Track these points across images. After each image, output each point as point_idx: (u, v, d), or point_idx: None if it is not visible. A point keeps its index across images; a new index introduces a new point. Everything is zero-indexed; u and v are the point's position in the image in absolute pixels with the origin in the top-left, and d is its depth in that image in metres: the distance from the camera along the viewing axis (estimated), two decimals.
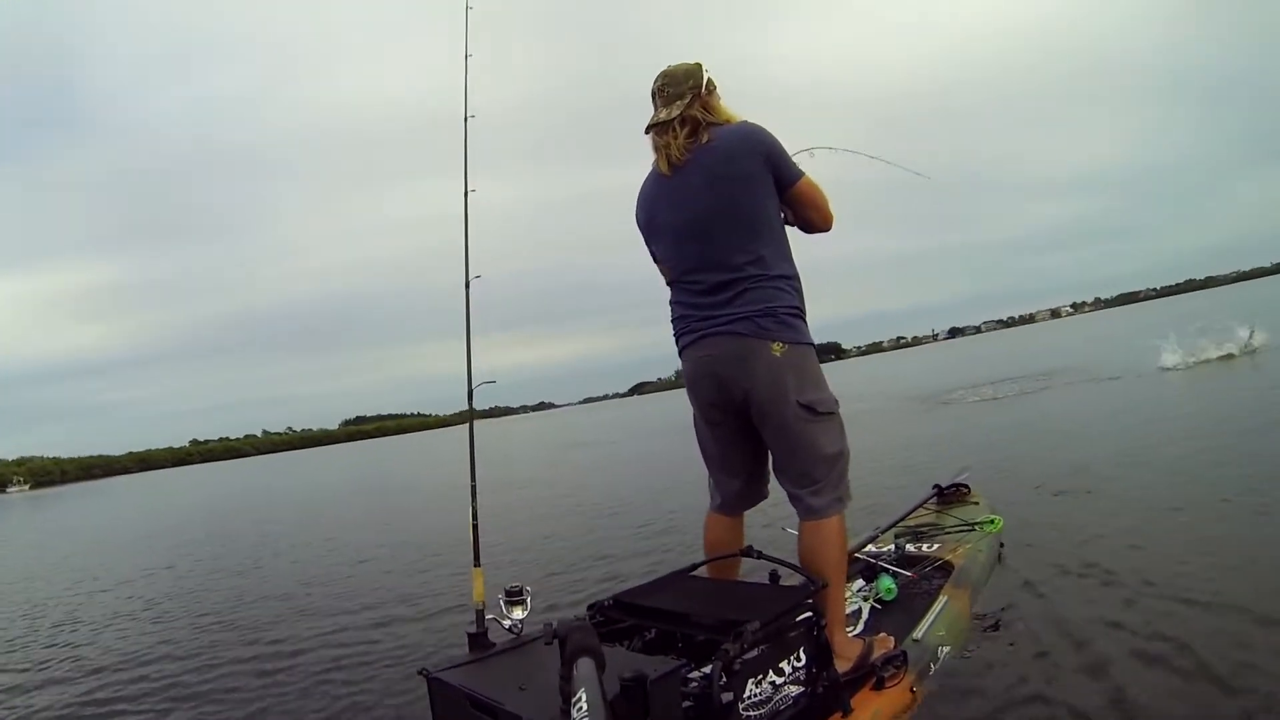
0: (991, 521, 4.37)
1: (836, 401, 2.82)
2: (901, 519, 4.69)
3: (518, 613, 2.42)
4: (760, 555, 2.78)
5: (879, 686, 2.64)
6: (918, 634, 3.03)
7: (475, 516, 2.88)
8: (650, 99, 2.83)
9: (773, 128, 2.71)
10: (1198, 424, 8.14)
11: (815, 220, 2.86)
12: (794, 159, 2.79)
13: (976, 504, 4.94)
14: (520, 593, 2.44)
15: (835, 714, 2.43)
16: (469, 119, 3.20)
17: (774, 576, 2.75)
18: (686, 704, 1.97)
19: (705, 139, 2.70)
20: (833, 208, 2.87)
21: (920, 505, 4.99)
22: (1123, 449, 7.37)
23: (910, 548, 4.12)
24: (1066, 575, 3.93)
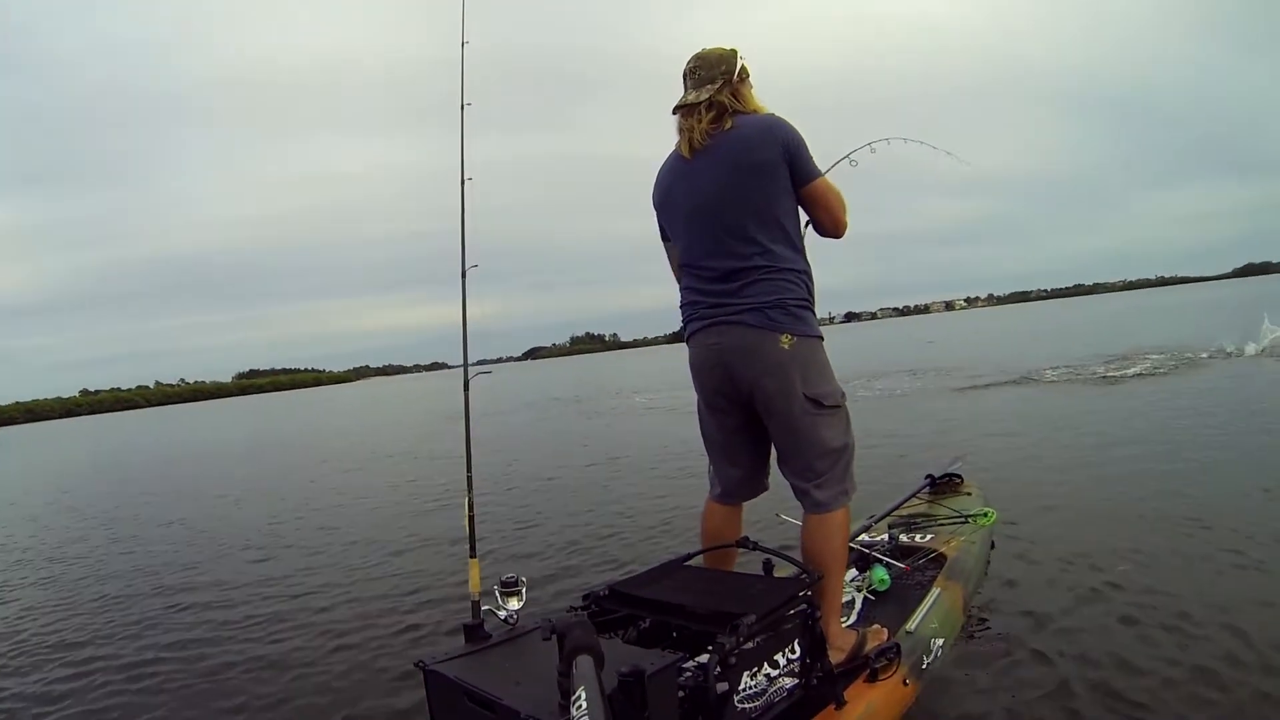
0: (985, 514, 4.35)
1: (843, 394, 2.77)
2: (895, 509, 4.66)
3: (513, 604, 2.39)
4: (756, 547, 2.72)
5: (872, 678, 2.59)
6: (911, 626, 2.99)
7: (471, 508, 2.83)
8: (681, 79, 2.78)
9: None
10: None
11: (825, 222, 2.79)
12: (854, 154, 2.79)
13: (969, 495, 4.90)
14: (515, 583, 2.40)
15: (829, 706, 2.38)
16: (465, 106, 3.16)
17: (767, 566, 2.73)
18: (681, 694, 1.93)
19: (728, 125, 2.65)
20: (848, 216, 2.82)
21: (913, 495, 4.96)
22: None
23: (904, 538, 4.07)
24: (1058, 568, 3.95)
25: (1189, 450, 6.71)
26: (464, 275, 3.00)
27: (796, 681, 2.32)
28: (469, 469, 2.93)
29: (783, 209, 2.67)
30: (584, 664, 1.50)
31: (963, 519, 4.31)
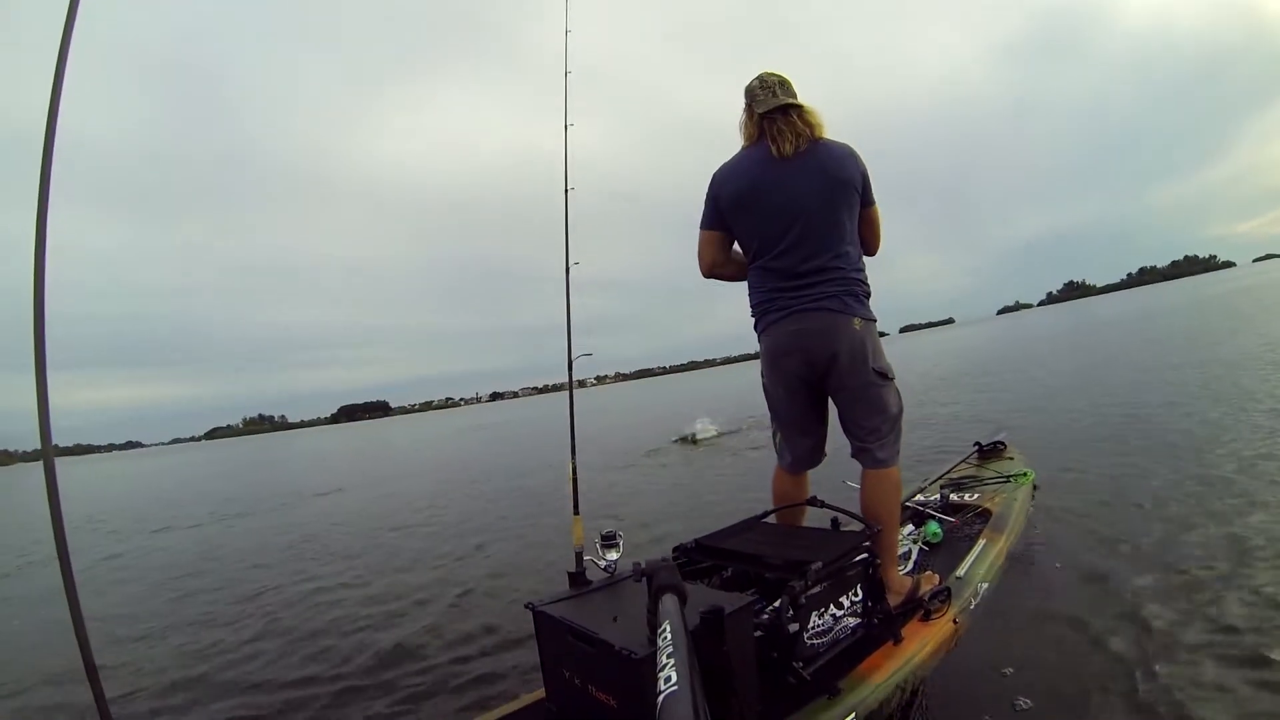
0: (1025, 474, 4.29)
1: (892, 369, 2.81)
2: (946, 472, 4.64)
3: (612, 554, 2.43)
4: (824, 504, 2.76)
5: (926, 618, 2.61)
6: (960, 572, 2.99)
7: (574, 471, 2.90)
8: (748, 94, 2.76)
9: None
10: None
11: (871, 242, 2.88)
12: None
13: (1012, 459, 4.86)
14: (614, 537, 2.46)
15: (887, 642, 2.41)
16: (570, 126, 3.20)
17: (835, 523, 2.72)
18: (758, 634, 1.97)
19: (818, 137, 2.68)
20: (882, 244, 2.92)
21: (963, 461, 4.93)
22: None
23: (953, 497, 4.07)
24: (1088, 521, 3.85)
25: None
26: (568, 272, 3.04)
27: (859, 621, 2.37)
28: (572, 436, 2.96)
29: (855, 220, 2.75)
30: (669, 601, 1.50)
31: (1005, 479, 4.23)
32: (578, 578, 2.44)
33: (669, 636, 1.29)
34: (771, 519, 2.93)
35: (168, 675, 3.81)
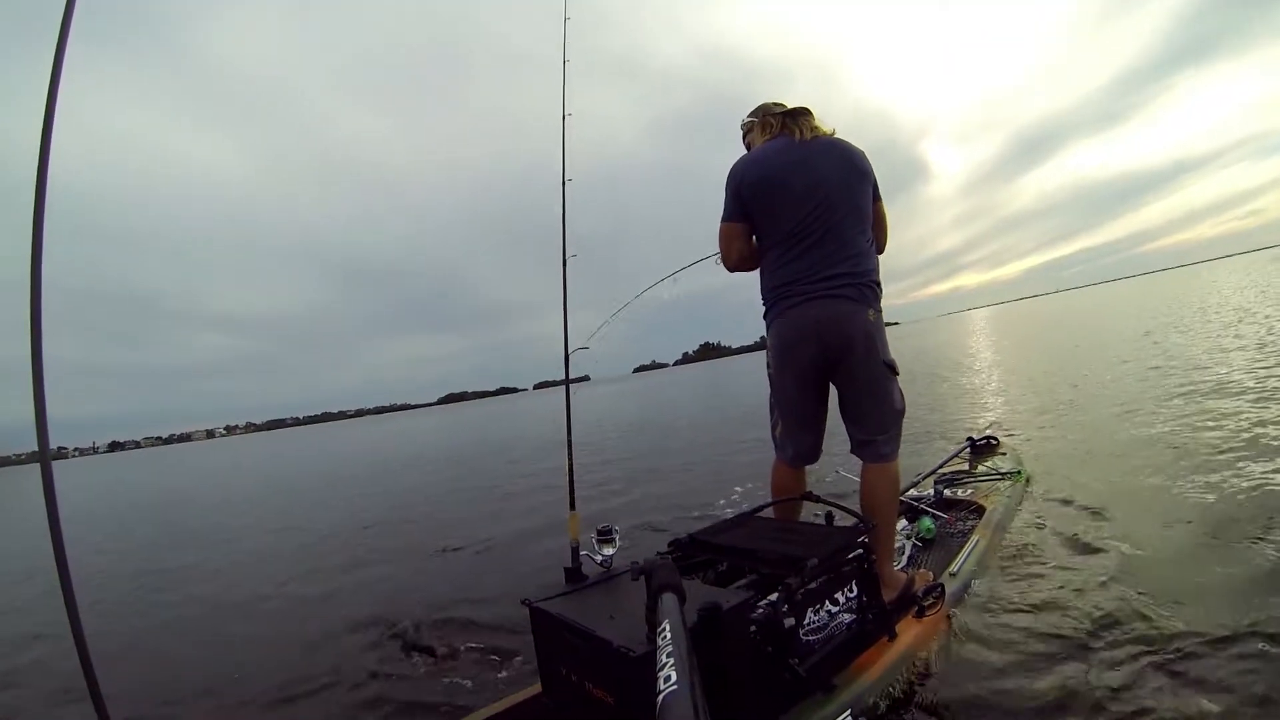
0: (1018, 472, 4.29)
1: None
2: (939, 468, 4.63)
3: (608, 550, 2.42)
4: (819, 499, 2.75)
5: (920, 615, 2.62)
6: (954, 569, 3.00)
7: (571, 467, 2.89)
8: (760, 110, 2.94)
9: None
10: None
11: (881, 238, 2.92)
12: None
13: (1004, 455, 4.86)
14: (610, 532, 2.45)
15: (882, 638, 2.42)
16: (567, 116, 3.18)
17: (829, 518, 2.71)
18: (753, 629, 1.95)
19: (828, 131, 2.80)
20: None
21: (955, 456, 4.92)
22: None
23: (947, 493, 4.07)
24: (1080, 519, 3.84)
25: None
26: (564, 264, 3.03)
27: (854, 617, 2.36)
28: (569, 432, 2.95)
29: (870, 212, 2.79)
30: (669, 600, 1.49)
31: (999, 476, 4.24)
32: (574, 573, 2.42)
33: (668, 635, 1.28)
34: (767, 513, 2.92)
35: None
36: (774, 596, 2.07)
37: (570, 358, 3.08)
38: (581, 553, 2.51)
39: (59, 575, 1.80)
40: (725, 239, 2.86)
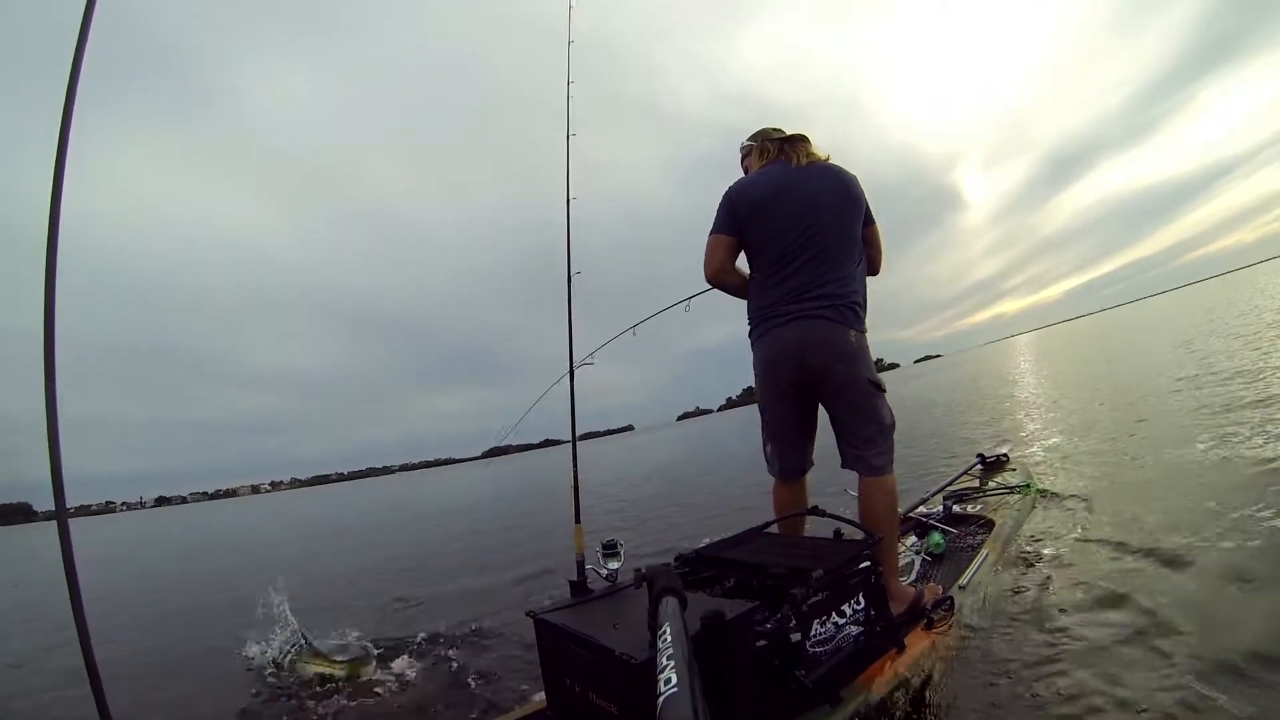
0: (1027, 486, 4.27)
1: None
2: (948, 484, 4.61)
3: (613, 563, 2.42)
4: (825, 514, 2.75)
5: (929, 627, 2.60)
6: (963, 581, 2.98)
7: (576, 480, 2.89)
8: (759, 135, 2.97)
9: None
10: None
11: (876, 260, 2.98)
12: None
13: (1014, 470, 4.84)
14: (615, 546, 2.45)
15: (890, 651, 2.39)
16: (571, 136, 3.22)
17: (837, 534, 2.70)
18: (761, 643, 1.94)
19: (824, 157, 2.86)
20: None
21: (965, 473, 4.91)
22: None
23: (956, 508, 4.05)
24: (1089, 533, 3.81)
25: None
26: (569, 280, 3.06)
27: (861, 630, 2.33)
28: (574, 446, 2.95)
29: (860, 236, 2.85)
30: (669, 604, 1.48)
31: (1008, 490, 4.22)
32: (579, 586, 2.42)
33: (669, 639, 1.27)
34: (773, 529, 2.91)
35: None
36: (780, 609, 2.05)
37: (578, 405, 3.15)
38: (587, 566, 2.50)
39: (78, 635, 1.80)
40: (712, 248, 2.86)
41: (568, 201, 3.13)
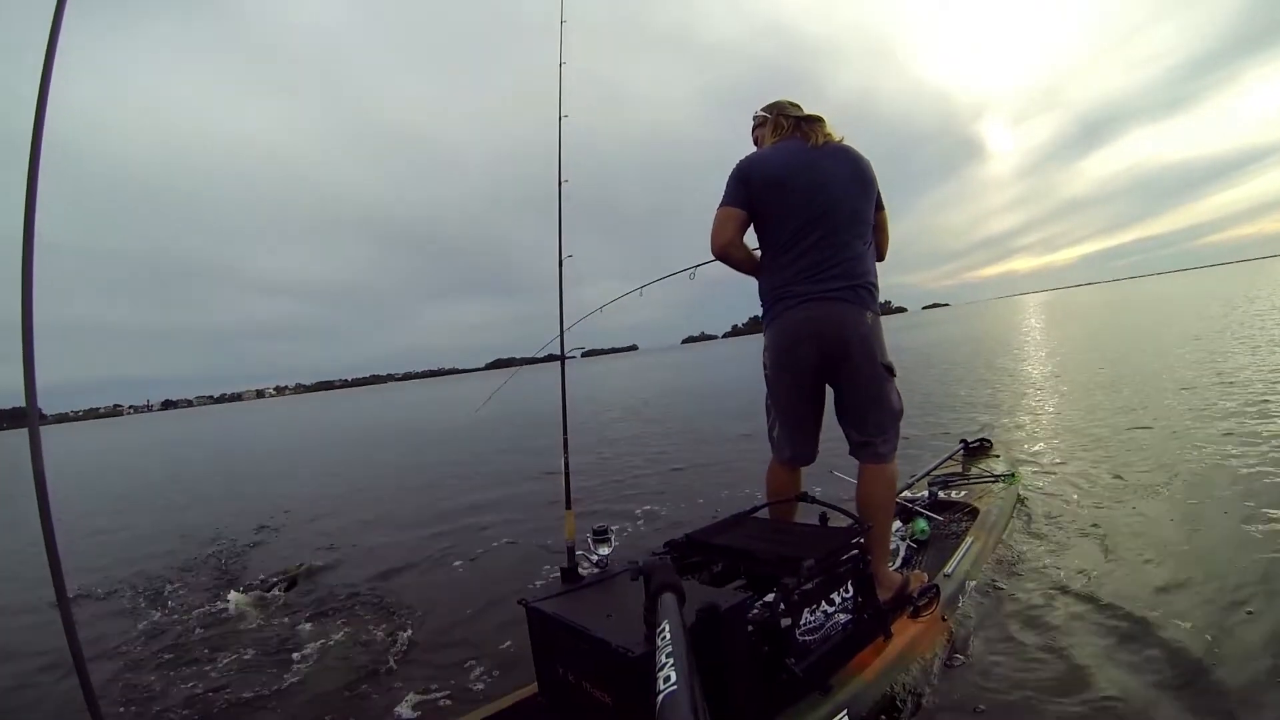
0: (1012, 475, 4.30)
1: None
2: (933, 469, 4.65)
3: (603, 549, 2.42)
4: (814, 500, 2.74)
5: (915, 615, 2.62)
6: (948, 570, 3.00)
7: (567, 465, 2.89)
8: (775, 108, 2.94)
9: None
10: None
11: (883, 245, 2.97)
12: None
13: (998, 457, 4.88)
14: (605, 532, 2.44)
15: (878, 638, 2.42)
16: (563, 118, 3.18)
17: (823, 519, 2.71)
18: (750, 629, 1.95)
19: (839, 138, 2.84)
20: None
21: (949, 458, 4.94)
22: None
23: (941, 494, 4.08)
24: (1072, 520, 3.86)
25: None
26: (560, 265, 3.03)
27: (850, 617, 2.35)
28: (564, 433, 2.94)
29: (872, 218, 2.83)
30: (668, 600, 1.48)
31: (992, 478, 4.25)
32: (570, 573, 2.42)
33: (668, 636, 1.27)
34: (762, 513, 2.92)
35: None
36: (770, 597, 2.06)
37: (570, 333, 3.15)
38: (577, 552, 2.51)
39: (49, 561, 1.78)
40: (721, 221, 2.78)
41: (559, 185, 3.09)
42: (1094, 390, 8.72)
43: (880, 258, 2.94)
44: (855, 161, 2.76)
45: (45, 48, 1.77)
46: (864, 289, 2.69)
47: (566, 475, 2.87)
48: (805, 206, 2.69)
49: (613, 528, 2.47)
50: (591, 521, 3.81)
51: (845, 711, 2.08)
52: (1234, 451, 4.79)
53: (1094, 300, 60.61)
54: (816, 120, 2.83)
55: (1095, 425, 6.51)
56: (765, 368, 2.90)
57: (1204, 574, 2.98)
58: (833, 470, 3.89)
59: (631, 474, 7.45)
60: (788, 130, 2.85)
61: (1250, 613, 2.63)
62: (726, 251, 2.81)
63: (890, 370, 2.75)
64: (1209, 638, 2.50)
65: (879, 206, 2.87)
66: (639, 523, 5.01)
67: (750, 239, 2.89)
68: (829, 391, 2.85)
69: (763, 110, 2.98)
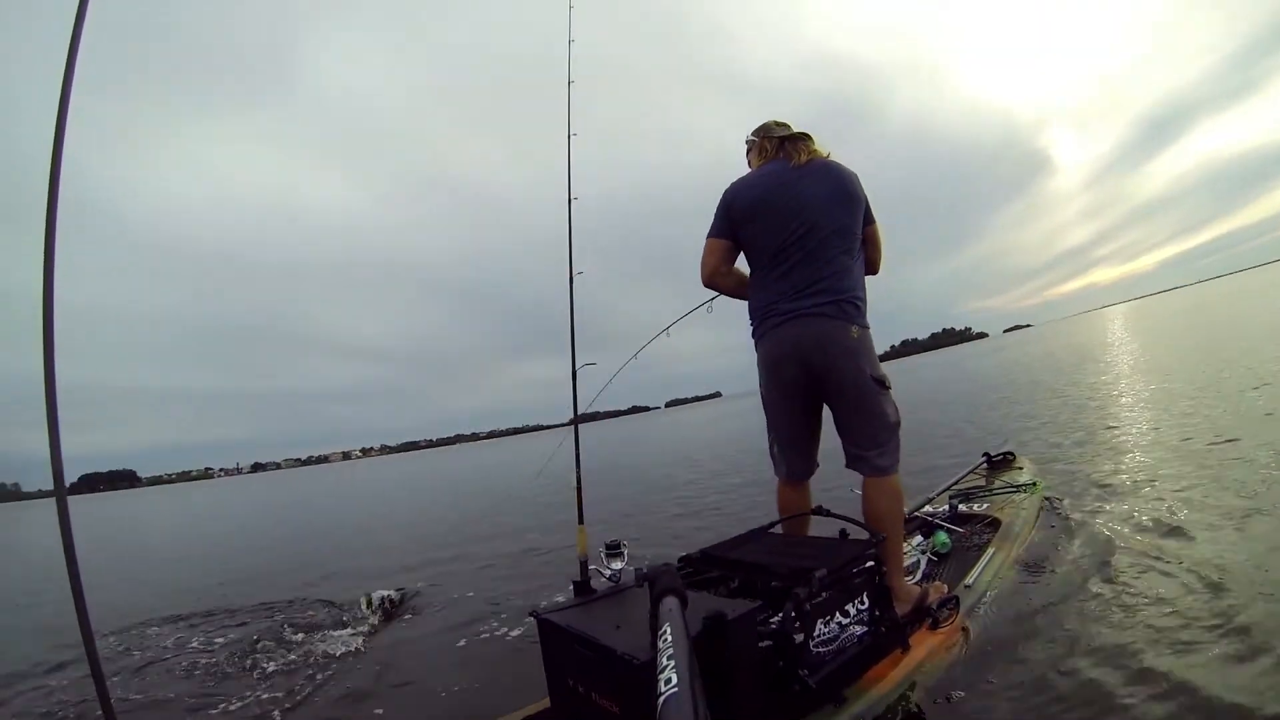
0: (1034, 485, 4.25)
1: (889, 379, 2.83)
2: (954, 483, 4.60)
3: (616, 563, 2.42)
4: (830, 513, 2.74)
5: (935, 627, 2.60)
6: (969, 581, 2.97)
7: (580, 481, 2.89)
8: (762, 130, 2.95)
9: None
10: None
11: (875, 259, 2.95)
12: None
13: (1021, 469, 4.82)
14: (618, 546, 2.45)
15: (895, 651, 2.39)
16: (572, 136, 3.22)
17: (843, 533, 2.70)
18: (765, 643, 1.94)
19: (825, 154, 2.84)
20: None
21: (971, 471, 4.89)
22: None
23: (962, 507, 4.04)
24: (1097, 532, 3.80)
25: None
26: (571, 281, 3.08)
27: (866, 629, 2.33)
28: (576, 448, 2.95)
29: (858, 234, 2.82)
30: (670, 603, 1.49)
31: (1015, 489, 4.20)
32: (582, 586, 2.42)
33: (669, 639, 1.27)
34: (777, 529, 2.91)
35: None
36: (783, 609, 2.04)
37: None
38: (590, 567, 2.50)
39: (75, 604, 1.80)
40: (707, 253, 2.90)
41: (569, 201, 3.13)
42: (1144, 401, 8.58)
43: (873, 271, 2.94)
44: (839, 178, 2.76)
45: (55, 118, 1.83)
46: (849, 303, 2.70)
47: (579, 491, 2.87)
48: (786, 226, 2.72)
49: (625, 542, 2.46)
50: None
51: None
52: None
53: (1177, 305, 58.75)
54: (801, 139, 2.85)
55: (1138, 436, 6.42)
56: (760, 387, 2.92)
57: (1255, 586, 2.92)
58: (853, 489, 3.87)
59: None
60: (771, 152, 2.89)
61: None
62: (714, 281, 2.93)
63: (882, 383, 2.74)
64: (1240, 657, 2.44)
65: (869, 220, 2.87)
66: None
67: (742, 262, 2.95)
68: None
69: (751, 135, 3.01)
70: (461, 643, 3.84)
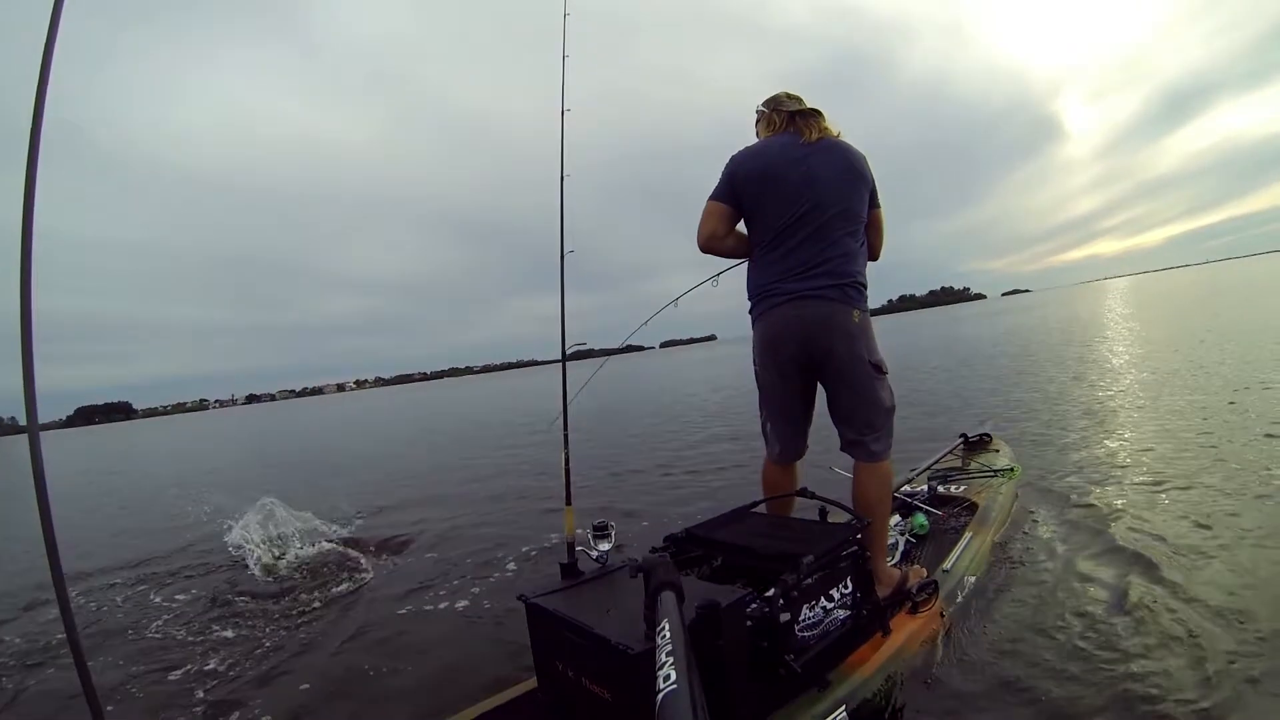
0: (1011, 469, 4.31)
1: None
2: (933, 464, 4.65)
3: (603, 545, 2.42)
4: (814, 496, 2.75)
5: (914, 610, 2.64)
6: (947, 565, 3.01)
7: (568, 461, 2.89)
8: (773, 101, 2.90)
9: None
10: None
11: (876, 245, 2.93)
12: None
13: (997, 451, 4.88)
14: (605, 527, 2.45)
15: (876, 634, 2.43)
16: (566, 111, 3.17)
17: (823, 514, 2.72)
18: (749, 624, 1.96)
19: (836, 133, 2.80)
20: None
21: (948, 452, 4.94)
22: None
23: (940, 489, 4.08)
24: (1072, 515, 3.87)
25: None
26: (562, 259, 3.05)
27: (848, 613, 2.36)
28: (565, 427, 2.95)
29: (864, 216, 2.80)
30: (667, 598, 1.49)
31: (992, 473, 4.26)
32: (570, 568, 2.42)
33: (667, 634, 1.28)
34: (761, 509, 2.93)
35: None
36: (770, 593, 2.06)
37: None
38: (577, 548, 2.51)
39: (49, 561, 1.78)
40: (706, 215, 2.83)
41: (561, 179, 3.09)
42: (1126, 381, 8.71)
43: (874, 257, 2.92)
44: (848, 157, 2.73)
45: (43, 46, 1.77)
46: (851, 287, 2.68)
47: (567, 471, 2.87)
48: (792, 203, 2.69)
49: (612, 524, 2.47)
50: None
51: (843, 707, 2.09)
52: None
53: (1181, 283, 59.20)
54: (813, 114, 2.81)
55: (1123, 418, 6.52)
56: (755, 365, 2.92)
57: (1217, 558, 3.00)
58: (832, 467, 3.90)
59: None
60: (780, 125, 2.84)
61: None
62: (710, 245, 2.87)
63: (880, 368, 2.74)
64: (1216, 623, 2.51)
65: (874, 204, 2.84)
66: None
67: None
68: (821, 388, 2.86)
69: (761, 105, 2.96)
70: (442, 606, 3.86)
